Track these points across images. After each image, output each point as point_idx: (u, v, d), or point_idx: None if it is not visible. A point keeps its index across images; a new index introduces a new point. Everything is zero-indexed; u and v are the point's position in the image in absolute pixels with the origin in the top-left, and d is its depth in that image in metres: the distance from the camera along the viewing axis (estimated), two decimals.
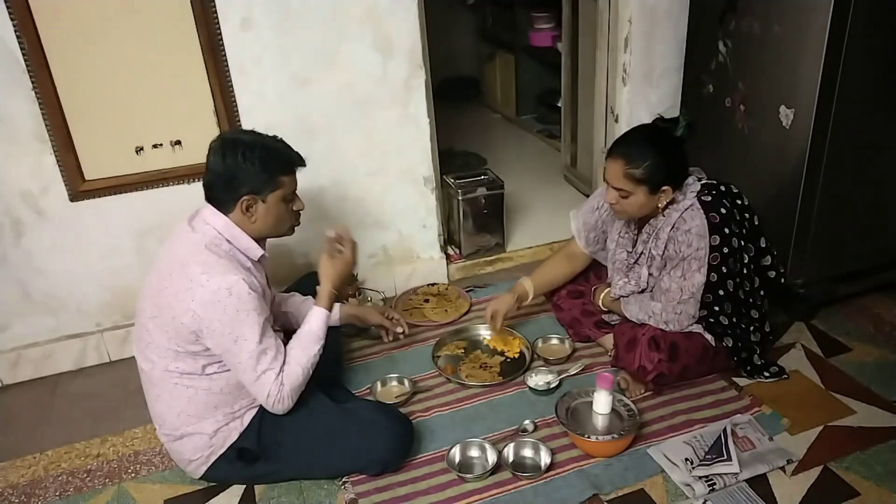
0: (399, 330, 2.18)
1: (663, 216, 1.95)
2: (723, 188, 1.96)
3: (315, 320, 1.80)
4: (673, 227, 1.92)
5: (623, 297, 2.12)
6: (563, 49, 3.39)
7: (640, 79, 2.80)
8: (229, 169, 1.67)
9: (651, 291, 2.06)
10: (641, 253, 2.04)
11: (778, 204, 2.29)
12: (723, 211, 1.90)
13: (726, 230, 1.90)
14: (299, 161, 1.77)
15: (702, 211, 1.89)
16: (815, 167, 2.18)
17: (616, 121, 2.96)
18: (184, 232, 1.72)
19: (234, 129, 1.73)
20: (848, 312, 2.43)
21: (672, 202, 1.93)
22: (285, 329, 1.98)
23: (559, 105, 3.65)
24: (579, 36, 3.17)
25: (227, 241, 1.71)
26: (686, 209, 1.91)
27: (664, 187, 1.88)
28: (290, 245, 1.85)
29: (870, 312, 2.43)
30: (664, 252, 1.96)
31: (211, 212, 1.72)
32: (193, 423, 1.74)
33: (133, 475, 1.93)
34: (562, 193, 3.47)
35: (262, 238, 1.79)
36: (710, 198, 1.91)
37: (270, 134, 1.78)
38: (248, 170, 1.66)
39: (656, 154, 1.85)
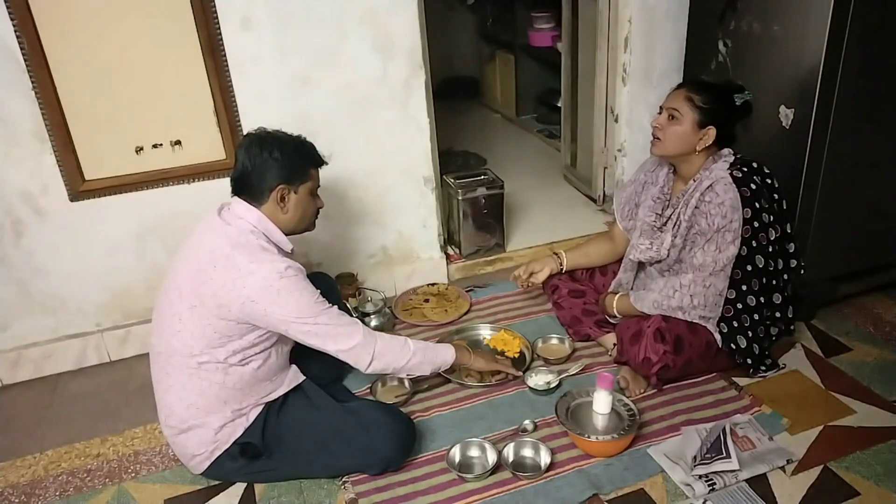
0: None
1: (694, 181, 2.00)
2: (755, 165, 2.01)
3: (443, 355, 1.96)
4: (702, 196, 1.96)
5: (632, 285, 2.20)
6: (563, 49, 3.39)
7: (640, 79, 2.81)
8: (265, 161, 1.74)
9: (668, 268, 2.10)
10: (669, 217, 2.07)
11: None
12: (753, 187, 1.95)
13: (757, 204, 1.94)
14: (322, 159, 1.87)
15: (734, 185, 1.94)
16: (815, 167, 2.18)
17: (616, 121, 2.96)
18: (217, 225, 1.73)
19: (261, 129, 1.79)
20: (848, 312, 2.43)
21: (704, 167, 1.99)
22: None
23: (559, 105, 3.66)
24: (579, 36, 3.17)
25: (263, 233, 1.75)
26: (718, 180, 1.95)
27: (710, 126, 1.95)
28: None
29: (870, 312, 2.43)
30: (691, 221, 1.99)
31: (244, 207, 1.75)
32: (201, 416, 1.74)
33: (133, 475, 1.93)
34: (561, 193, 3.48)
35: (290, 233, 1.83)
36: (741, 174, 1.96)
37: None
38: (282, 161, 1.74)
39: (717, 95, 1.98)
